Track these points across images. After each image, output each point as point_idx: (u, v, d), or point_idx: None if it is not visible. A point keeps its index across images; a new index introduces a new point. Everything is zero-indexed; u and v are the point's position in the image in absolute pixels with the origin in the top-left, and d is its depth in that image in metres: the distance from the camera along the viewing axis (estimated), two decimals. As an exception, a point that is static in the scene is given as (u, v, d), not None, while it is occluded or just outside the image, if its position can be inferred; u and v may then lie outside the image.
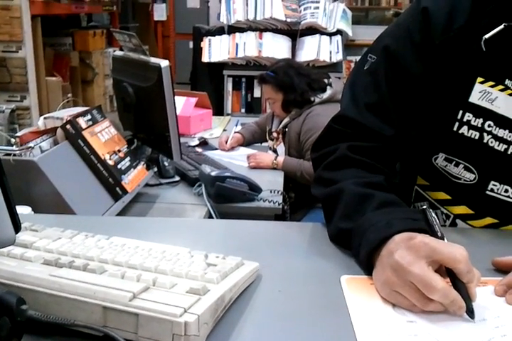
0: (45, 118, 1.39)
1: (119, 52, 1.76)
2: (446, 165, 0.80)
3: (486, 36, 0.71)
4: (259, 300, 0.58)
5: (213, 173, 1.60)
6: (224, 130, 2.62)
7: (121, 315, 0.48)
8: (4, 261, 0.56)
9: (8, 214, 0.49)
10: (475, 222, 0.82)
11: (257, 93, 3.57)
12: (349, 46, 3.84)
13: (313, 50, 3.45)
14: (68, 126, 1.29)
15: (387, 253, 0.60)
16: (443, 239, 0.60)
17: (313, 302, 0.59)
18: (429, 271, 0.55)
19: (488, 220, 0.81)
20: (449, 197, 0.82)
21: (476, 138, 0.76)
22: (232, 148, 2.26)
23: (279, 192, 1.71)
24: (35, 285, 0.51)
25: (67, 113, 1.41)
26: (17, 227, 0.50)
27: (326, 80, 2.16)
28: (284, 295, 0.60)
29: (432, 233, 0.61)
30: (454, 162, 0.79)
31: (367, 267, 0.64)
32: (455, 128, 0.77)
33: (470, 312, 0.55)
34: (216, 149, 2.26)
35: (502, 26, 0.70)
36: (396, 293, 0.57)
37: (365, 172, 0.76)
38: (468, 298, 0.55)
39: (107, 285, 0.50)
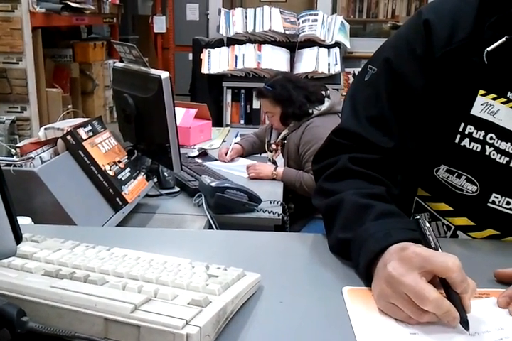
0: (45, 129, 1.39)
1: (119, 64, 1.77)
2: (448, 177, 0.80)
3: (488, 49, 0.71)
4: (260, 312, 0.58)
5: (213, 184, 1.61)
6: (223, 141, 2.63)
7: (122, 326, 0.47)
8: (5, 272, 0.55)
9: (10, 225, 0.49)
10: (476, 233, 0.82)
11: (256, 104, 3.58)
12: (347, 58, 3.86)
13: (312, 62, 3.47)
14: (69, 137, 1.29)
15: (382, 264, 0.59)
16: (437, 250, 0.59)
17: (315, 313, 0.58)
18: (421, 281, 0.55)
19: (489, 232, 0.81)
20: (450, 209, 0.82)
21: (478, 150, 0.76)
22: (231, 159, 2.26)
23: (279, 203, 1.71)
24: (36, 297, 0.50)
25: (67, 124, 1.41)
26: (18, 238, 0.50)
27: (323, 92, 2.16)
28: (285, 307, 0.59)
29: (426, 243, 0.60)
30: (456, 174, 0.79)
31: (366, 278, 0.64)
32: (457, 141, 0.77)
33: (464, 324, 0.54)
34: (216, 160, 2.26)
35: (504, 39, 0.71)
36: (392, 305, 0.56)
37: (366, 184, 0.76)
38: (462, 309, 0.54)
39: (108, 296, 0.50)
